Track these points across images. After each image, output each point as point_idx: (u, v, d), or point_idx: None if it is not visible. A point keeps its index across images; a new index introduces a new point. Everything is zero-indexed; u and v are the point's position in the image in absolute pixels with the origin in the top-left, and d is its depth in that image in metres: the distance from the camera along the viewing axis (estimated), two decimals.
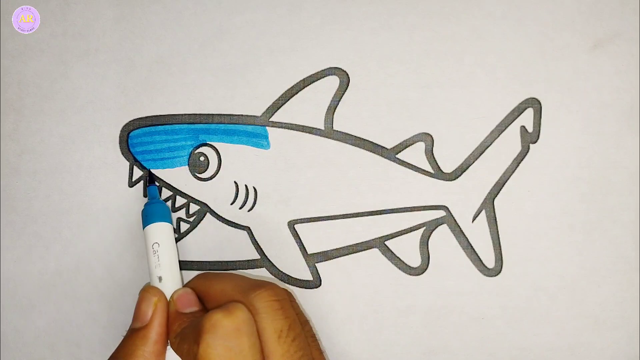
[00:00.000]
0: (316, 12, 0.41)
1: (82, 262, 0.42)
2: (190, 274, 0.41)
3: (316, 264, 0.41)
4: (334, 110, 0.41)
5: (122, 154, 0.41)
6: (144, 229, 0.39)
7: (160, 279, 0.38)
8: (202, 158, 0.41)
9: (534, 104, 0.41)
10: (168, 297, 0.38)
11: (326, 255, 0.41)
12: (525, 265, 0.41)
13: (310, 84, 0.41)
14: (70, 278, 0.42)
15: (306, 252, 0.41)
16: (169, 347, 0.37)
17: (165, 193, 0.41)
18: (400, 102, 0.41)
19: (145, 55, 0.41)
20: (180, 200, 0.41)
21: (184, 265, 0.41)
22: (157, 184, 0.41)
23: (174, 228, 0.40)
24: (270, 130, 0.41)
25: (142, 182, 0.41)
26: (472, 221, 0.41)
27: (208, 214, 0.41)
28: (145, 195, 0.41)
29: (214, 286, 0.37)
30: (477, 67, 0.41)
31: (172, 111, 0.41)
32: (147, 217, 0.39)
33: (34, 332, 0.42)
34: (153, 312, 0.37)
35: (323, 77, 0.41)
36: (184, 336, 0.35)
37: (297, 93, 0.41)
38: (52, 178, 0.42)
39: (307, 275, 0.41)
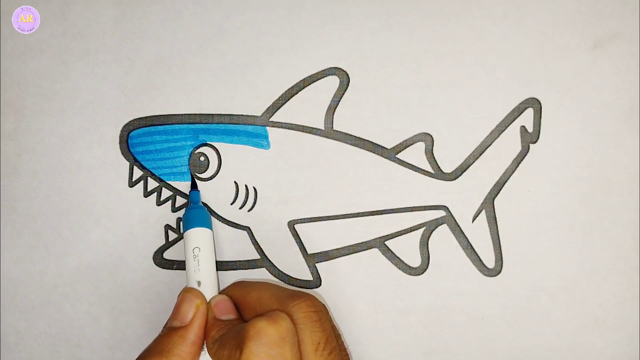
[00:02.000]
0: (316, 12, 0.41)
1: (82, 263, 0.42)
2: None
3: (316, 264, 0.41)
4: (334, 110, 0.41)
5: (122, 154, 0.41)
6: (184, 232, 0.39)
7: (199, 283, 0.38)
8: (202, 158, 0.41)
9: (534, 104, 0.41)
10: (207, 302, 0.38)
11: (326, 255, 0.41)
12: (525, 265, 0.41)
13: (310, 84, 0.41)
14: (71, 278, 0.42)
15: (306, 252, 0.41)
16: (203, 351, 0.37)
17: (165, 193, 0.41)
18: (400, 102, 0.41)
19: (145, 55, 0.41)
20: (180, 200, 0.41)
21: (183, 265, 0.41)
22: (198, 189, 0.41)
23: (213, 233, 0.40)
24: (270, 130, 0.41)
25: (142, 182, 0.41)
26: (472, 221, 0.41)
27: (191, 185, 0.41)
28: (145, 196, 0.41)
29: (251, 294, 0.37)
30: (477, 67, 0.41)
31: (172, 111, 0.41)
32: (189, 222, 0.39)
33: (34, 332, 0.42)
34: (194, 314, 0.37)
35: (323, 77, 0.41)
36: (224, 342, 0.35)
37: (297, 93, 0.41)
38: (52, 178, 0.42)
39: (307, 275, 0.41)
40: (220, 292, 0.39)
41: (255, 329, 0.33)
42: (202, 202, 0.41)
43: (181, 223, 0.41)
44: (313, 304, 0.35)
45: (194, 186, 0.41)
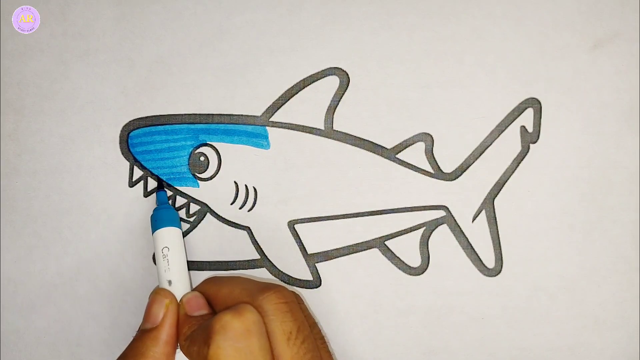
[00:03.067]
0: (316, 12, 0.41)
1: (82, 262, 0.42)
2: (190, 275, 0.41)
3: (316, 264, 0.41)
4: (334, 110, 0.41)
5: (122, 154, 0.41)
6: (153, 233, 0.39)
7: (170, 282, 0.38)
8: (202, 158, 0.41)
9: (534, 104, 0.41)
10: (177, 301, 0.38)
11: (326, 255, 0.41)
12: (525, 265, 0.41)
13: (310, 84, 0.41)
14: (71, 278, 0.42)
15: (306, 252, 0.41)
16: (178, 350, 0.37)
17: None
18: (400, 102, 0.41)
19: (145, 55, 0.41)
20: (180, 200, 0.41)
21: None
22: (166, 189, 0.41)
23: (182, 232, 0.40)
24: (270, 130, 0.41)
25: (142, 182, 0.41)
26: (472, 221, 0.41)
27: (208, 214, 0.41)
28: (145, 196, 0.41)
29: (222, 289, 0.37)
30: (477, 67, 0.41)
31: (172, 111, 0.41)
32: (157, 222, 0.39)
33: (34, 332, 0.42)
34: (164, 314, 0.37)
35: (323, 77, 0.41)
36: (194, 338, 0.35)
37: (297, 93, 0.41)
38: (52, 178, 0.42)
39: (307, 275, 0.41)
40: (193, 289, 0.39)
41: (220, 323, 0.33)
42: (200, 200, 0.41)
43: (151, 220, 0.41)
44: (282, 295, 0.35)
45: (160, 187, 0.41)
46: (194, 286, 0.39)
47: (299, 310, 0.36)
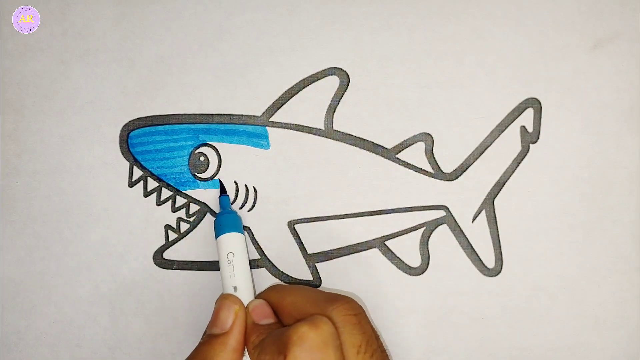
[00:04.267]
0: (316, 12, 0.41)
1: (82, 263, 0.42)
2: (190, 275, 0.41)
3: (316, 264, 0.41)
4: (334, 110, 0.41)
5: (122, 154, 0.41)
6: (216, 238, 0.39)
7: (235, 288, 0.38)
8: (202, 158, 0.41)
9: (534, 104, 0.41)
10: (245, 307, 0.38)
11: (326, 255, 0.41)
12: (525, 265, 0.41)
13: (310, 84, 0.41)
14: (71, 279, 0.42)
15: (306, 252, 0.41)
16: (244, 357, 0.36)
17: (165, 193, 0.41)
18: (400, 102, 0.41)
19: (145, 55, 0.41)
20: (180, 200, 0.41)
21: (184, 265, 0.41)
22: (227, 194, 0.41)
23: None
24: (270, 130, 0.41)
25: (142, 182, 0.41)
26: (472, 221, 0.41)
27: (208, 214, 0.41)
28: (145, 196, 0.41)
29: (287, 298, 0.37)
30: (477, 67, 0.41)
31: (172, 111, 0.41)
32: (221, 227, 0.39)
33: (34, 333, 0.42)
34: (234, 320, 0.37)
35: (323, 77, 0.41)
36: (265, 347, 0.35)
37: (297, 93, 0.41)
38: (52, 178, 0.42)
39: (307, 275, 0.41)
40: (256, 297, 0.38)
41: (298, 334, 0.33)
42: (200, 200, 0.41)
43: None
44: (351, 307, 0.35)
45: (223, 191, 0.41)
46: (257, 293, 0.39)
47: (367, 322, 0.35)
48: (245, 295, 0.38)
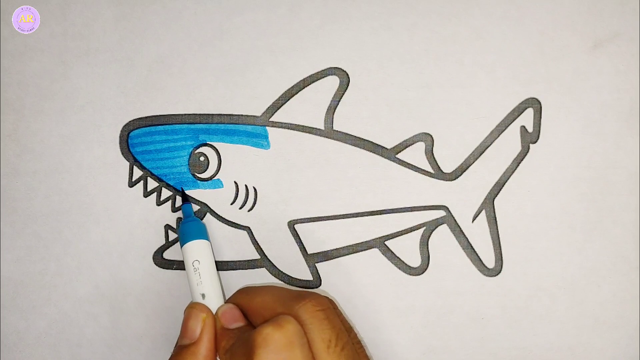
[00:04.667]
0: (316, 12, 0.41)
1: (82, 263, 0.42)
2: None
3: (316, 264, 0.41)
4: (334, 110, 0.41)
5: (122, 154, 0.41)
6: (182, 247, 0.39)
7: (203, 296, 0.38)
8: (202, 158, 0.41)
9: (534, 104, 0.41)
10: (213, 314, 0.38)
11: (326, 255, 0.41)
12: (525, 265, 0.41)
13: (310, 84, 0.41)
14: (71, 278, 0.42)
15: (306, 252, 0.41)
16: None
17: (165, 193, 0.41)
18: (400, 102, 0.41)
19: (145, 55, 0.41)
20: (180, 200, 0.41)
21: (183, 265, 0.41)
22: (191, 202, 0.41)
23: (211, 244, 0.40)
24: (270, 130, 0.41)
25: (142, 182, 0.41)
26: (472, 221, 0.41)
27: (208, 214, 0.41)
28: (145, 196, 0.41)
29: (255, 299, 0.37)
30: (477, 67, 0.41)
31: (172, 111, 0.41)
32: (185, 235, 0.39)
33: (34, 333, 0.42)
34: (202, 329, 0.36)
35: (323, 77, 0.41)
36: (234, 352, 0.35)
37: (297, 93, 0.41)
38: (52, 178, 0.42)
39: (307, 275, 0.41)
40: (226, 302, 0.38)
41: (262, 336, 0.33)
42: (200, 200, 0.41)
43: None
44: (318, 303, 0.35)
45: (184, 199, 0.41)
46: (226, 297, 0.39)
47: (335, 316, 0.35)
48: (214, 302, 0.38)
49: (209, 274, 0.38)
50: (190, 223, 0.39)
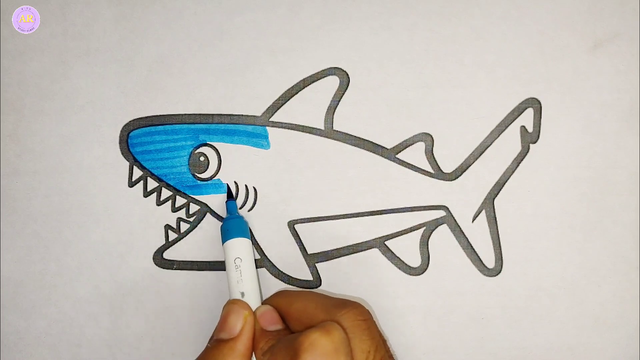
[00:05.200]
0: (316, 12, 0.41)
1: (82, 263, 0.42)
2: (190, 275, 0.41)
3: (316, 264, 0.41)
4: (334, 110, 0.41)
5: (122, 154, 0.41)
6: (223, 244, 0.39)
7: (242, 294, 0.38)
8: (202, 158, 0.41)
9: (534, 104, 0.41)
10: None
11: (326, 255, 0.41)
12: (525, 265, 0.41)
13: (310, 84, 0.41)
14: (71, 278, 0.42)
15: (306, 252, 0.41)
16: None
17: (165, 193, 0.41)
18: (400, 102, 0.41)
19: (145, 55, 0.41)
20: (180, 200, 0.41)
21: (183, 265, 0.41)
22: (234, 199, 0.41)
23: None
24: (270, 130, 0.41)
25: (142, 182, 0.41)
26: (472, 221, 0.41)
27: (208, 214, 0.41)
28: (145, 196, 0.41)
29: (295, 304, 0.37)
30: (477, 67, 0.41)
31: (172, 111, 0.41)
32: (228, 232, 0.39)
33: (34, 333, 0.42)
34: (243, 326, 0.36)
35: (323, 77, 0.41)
36: (275, 354, 0.35)
37: (297, 93, 0.41)
38: (52, 178, 0.42)
39: (307, 275, 0.41)
40: (263, 302, 0.38)
41: (309, 341, 0.33)
42: (200, 200, 0.41)
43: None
44: (360, 312, 0.35)
45: (230, 196, 0.41)
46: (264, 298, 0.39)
47: (376, 328, 0.35)
48: (253, 301, 0.38)
49: (249, 272, 0.38)
50: (233, 220, 0.39)
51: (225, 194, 0.41)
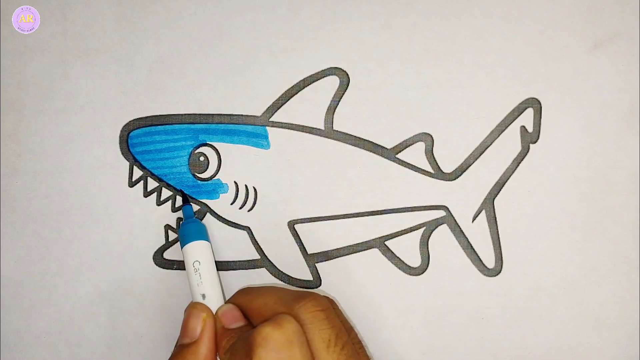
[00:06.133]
0: (316, 12, 0.41)
1: (82, 263, 0.42)
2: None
3: (316, 264, 0.41)
4: (334, 110, 0.41)
5: (122, 154, 0.41)
6: (182, 248, 0.39)
7: (203, 296, 0.38)
8: (202, 158, 0.41)
9: (534, 104, 0.41)
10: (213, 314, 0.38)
11: (326, 255, 0.41)
12: (525, 265, 0.41)
13: (310, 84, 0.41)
14: (71, 278, 0.42)
15: (306, 252, 0.41)
16: None
17: (165, 193, 0.41)
18: (400, 102, 0.41)
19: (145, 55, 0.41)
20: (180, 200, 0.41)
21: (184, 265, 0.41)
22: (191, 202, 0.41)
23: (211, 244, 0.40)
24: (270, 130, 0.41)
25: (142, 182, 0.41)
26: (472, 221, 0.41)
27: (208, 214, 0.41)
28: (145, 196, 0.41)
29: (256, 300, 0.37)
30: (477, 67, 0.41)
31: (172, 111, 0.41)
32: (185, 236, 0.39)
33: (34, 332, 0.42)
34: (202, 328, 0.37)
35: (323, 77, 0.41)
36: (235, 351, 0.35)
37: (297, 93, 0.41)
38: (52, 178, 0.42)
39: (307, 275, 0.41)
40: (226, 302, 0.38)
41: (261, 336, 0.33)
42: (200, 200, 0.41)
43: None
44: (318, 303, 0.35)
45: (185, 200, 0.41)
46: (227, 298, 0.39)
47: (335, 316, 0.35)
48: (214, 302, 0.38)
49: (209, 274, 0.38)
50: (190, 224, 0.40)
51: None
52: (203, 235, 0.39)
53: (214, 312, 0.38)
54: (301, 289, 0.37)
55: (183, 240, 0.39)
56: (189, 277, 0.39)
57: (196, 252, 0.39)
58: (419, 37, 0.41)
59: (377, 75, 0.41)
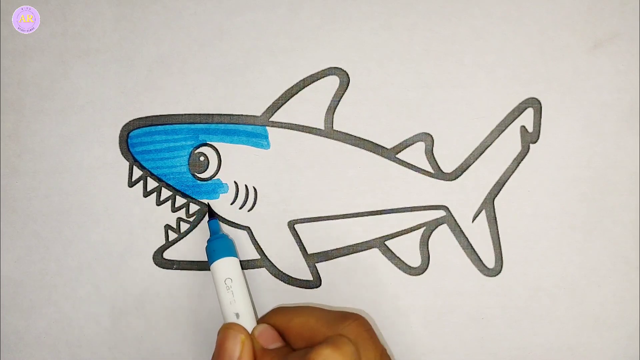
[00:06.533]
0: (316, 12, 0.41)
1: (82, 263, 0.42)
2: (191, 275, 0.41)
3: (316, 264, 0.41)
4: (334, 110, 0.41)
5: (122, 154, 0.41)
6: (210, 265, 0.38)
7: (237, 315, 0.37)
8: (202, 158, 0.41)
9: (534, 104, 0.41)
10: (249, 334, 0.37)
11: (326, 255, 0.41)
12: (525, 265, 0.41)
13: (310, 84, 0.41)
14: (71, 278, 0.42)
15: (306, 252, 0.41)
16: None
17: (165, 193, 0.41)
18: (400, 102, 0.41)
19: (145, 55, 0.41)
20: (180, 200, 0.41)
21: (184, 265, 0.41)
22: (217, 218, 0.40)
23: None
24: (270, 130, 0.41)
25: (141, 182, 0.41)
26: (472, 221, 0.41)
27: (208, 214, 0.41)
28: (145, 196, 0.41)
29: (294, 320, 0.36)
30: (477, 67, 0.41)
31: (172, 111, 0.41)
32: (214, 253, 0.38)
33: (34, 333, 0.42)
34: (241, 350, 0.35)
35: (323, 77, 0.41)
36: None
37: (297, 93, 0.41)
38: (52, 178, 0.42)
39: (307, 275, 0.41)
40: (260, 321, 0.38)
41: (321, 357, 0.32)
42: (200, 200, 0.41)
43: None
44: (363, 323, 0.35)
45: (211, 215, 0.40)
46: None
47: (377, 336, 0.35)
48: (248, 321, 0.37)
49: (242, 292, 0.37)
50: (218, 240, 0.39)
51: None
52: (232, 251, 0.39)
53: (249, 332, 0.37)
54: (339, 310, 0.36)
55: (212, 256, 0.38)
56: (219, 295, 0.37)
57: (228, 270, 0.38)
58: (419, 37, 0.41)
59: (377, 75, 0.41)
